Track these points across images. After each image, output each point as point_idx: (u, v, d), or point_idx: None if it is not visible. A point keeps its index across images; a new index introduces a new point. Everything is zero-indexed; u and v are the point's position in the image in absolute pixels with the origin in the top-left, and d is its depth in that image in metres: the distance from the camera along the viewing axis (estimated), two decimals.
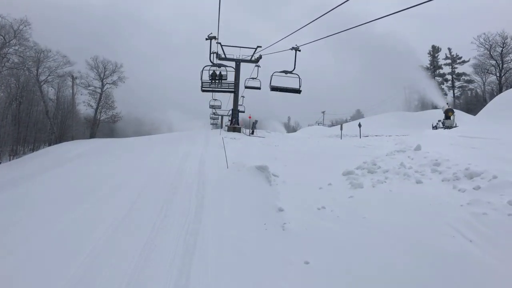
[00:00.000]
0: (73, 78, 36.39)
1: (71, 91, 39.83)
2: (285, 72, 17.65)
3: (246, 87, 27.31)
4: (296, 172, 11.29)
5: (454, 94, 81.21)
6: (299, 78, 18.10)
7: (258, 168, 11.80)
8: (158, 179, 11.74)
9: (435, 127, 25.83)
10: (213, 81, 25.74)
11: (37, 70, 33.19)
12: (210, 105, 40.00)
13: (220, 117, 63.03)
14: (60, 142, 33.91)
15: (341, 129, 21.09)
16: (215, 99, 36.42)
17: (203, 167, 13.21)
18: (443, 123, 25.53)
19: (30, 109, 33.97)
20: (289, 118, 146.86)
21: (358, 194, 9.06)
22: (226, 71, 25.92)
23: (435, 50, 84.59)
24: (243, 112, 34.21)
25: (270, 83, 17.56)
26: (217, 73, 25.33)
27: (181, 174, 12.19)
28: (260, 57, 26.30)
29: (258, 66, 27.11)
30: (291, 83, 17.77)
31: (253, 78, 26.82)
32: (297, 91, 18.49)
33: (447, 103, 28.71)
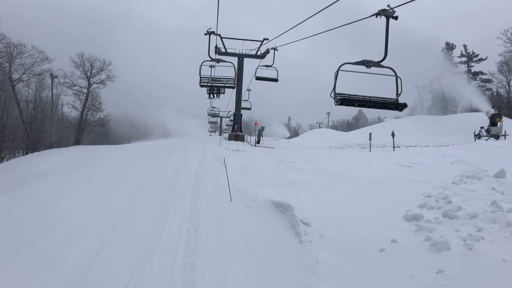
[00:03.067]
0: (53, 77, 33.02)
1: (53, 91, 36.36)
2: (367, 65, 7.81)
3: (258, 79, 23.13)
4: (334, 214, 7.87)
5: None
6: (398, 78, 8.08)
7: (277, 206, 8.41)
8: (131, 220, 8.35)
9: (477, 135, 22.45)
10: (212, 94, 25.94)
11: (9, 67, 29.91)
12: (208, 113, 38.88)
13: (219, 119, 59.83)
14: (36, 150, 30.55)
15: (370, 139, 17.65)
16: (214, 107, 34.56)
17: (197, 199, 9.83)
18: (487, 131, 22.11)
19: (0, 112, 30.54)
20: (289, 119, 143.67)
21: (450, 265, 5.66)
22: (225, 85, 24.93)
23: (449, 47, 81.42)
24: (249, 109, 30.52)
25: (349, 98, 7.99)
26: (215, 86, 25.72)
27: (165, 213, 8.80)
28: (268, 51, 22.90)
29: (275, 49, 23.00)
30: (361, 83, 9.64)
31: (267, 66, 22.70)
32: (397, 106, 8.10)
33: (493, 106, 25.22)
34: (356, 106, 8.14)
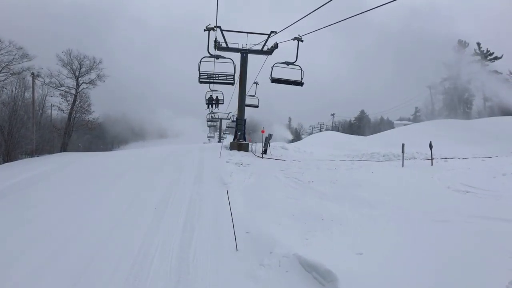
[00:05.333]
0: (34, 76, 30.37)
1: (34, 92, 33.64)
2: None
3: (275, 81, 19.06)
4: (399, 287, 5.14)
5: (484, 95, 75.39)
6: None
7: (308, 269, 5.79)
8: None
9: None
10: (210, 105, 27.92)
11: None
12: (207, 119, 38.86)
13: (219, 120, 57.51)
14: (15, 159, 27.85)
15: (403, 151, 14.85)
16: (213, 112, 33.41)
17: (189, 246, 7.17)
18: None
19: None
20: (290, 120, 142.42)
21: None
22: (223, 95, 27.08)
23: (461, 45, 78.86)
24: (257, 106, 27.00)
25: None
26: (214, 97, 27.34)
27: (142, 273, 6.12)
28: (276, 46, 20.13)
29: (300, 40, 18.77)
30: None
31: (287, 63, 18.79)
32: None
33: None
34: None
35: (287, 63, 19.35)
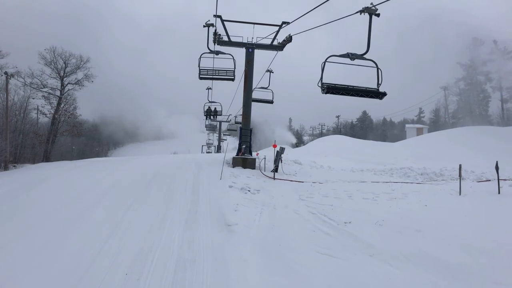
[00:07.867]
0: (7, 76, 27.35)
1: (8, 94, 30.59)
2: None
3: (332, 90, 11.21)
4: None
5: (502, 96, 72.54)
6: None
7: None
8: None
9: None
10: (208, 117, 29.44)
11: None
12: (206, 124, 40.16)
13: (218, 123, 54.78)
14: None
15: (460, 174, 11.59)
16: (211, 116, 32.82)
17: None
18: None
19: None
20: (290, 120, 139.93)
21: None
22: (221, 106, 28.40)
23: (476, 43, 75.91)
24: (271, 102, 22.20)
25: None
26: (212, 109, 28.49)
27: None
28: (290, 39, 17.00)
29: (375, 13, 10.57)
30: None
31: (352, 57, 10.69)
32: None
33: None
34: None
35: (351, 57, 11.20)
